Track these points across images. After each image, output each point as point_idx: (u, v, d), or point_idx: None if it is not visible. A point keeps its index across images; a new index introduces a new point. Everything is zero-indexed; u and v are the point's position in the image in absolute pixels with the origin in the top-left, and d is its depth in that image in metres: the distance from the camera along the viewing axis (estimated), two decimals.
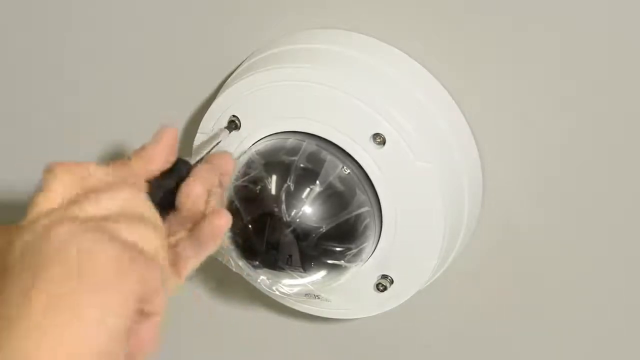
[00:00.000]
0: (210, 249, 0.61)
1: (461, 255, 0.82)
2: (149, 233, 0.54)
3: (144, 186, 0.59)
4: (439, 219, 0.75)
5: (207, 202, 0.61)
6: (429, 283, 0.80)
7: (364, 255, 0.76)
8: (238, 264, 0.75)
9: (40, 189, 0.55)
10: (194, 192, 0.60)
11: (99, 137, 0.93)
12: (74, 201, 0.54)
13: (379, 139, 0.73)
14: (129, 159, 0.60)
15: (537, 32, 0.74)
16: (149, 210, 0.56)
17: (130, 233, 0.53)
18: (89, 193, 0.55)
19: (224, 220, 0.60)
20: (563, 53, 0.74)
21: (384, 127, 0.73)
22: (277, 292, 0.76)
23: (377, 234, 0.77)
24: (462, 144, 0.78)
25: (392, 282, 0.78)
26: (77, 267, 0.50)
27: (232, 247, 0.75)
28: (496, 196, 0.81)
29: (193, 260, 0.60)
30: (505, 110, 0.78)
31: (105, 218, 0.53)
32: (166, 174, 0.61)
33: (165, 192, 0.60)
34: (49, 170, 0.56)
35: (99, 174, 0.57)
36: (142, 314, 0.53)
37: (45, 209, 0.54)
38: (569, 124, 0.77)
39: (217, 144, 0.74)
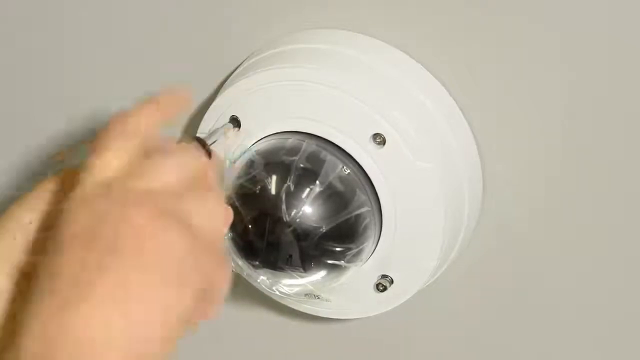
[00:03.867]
0: None
1: (461, 255, 0.82)
2: (215, 209, 0.55)
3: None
4: (439, 219, 0.75)
5: None
6: (429, 283, 0.80)
7: (364, 255, 0.76)
8: (238, 263, 0.75)
9: (95, 149, 0.54)
10: None
11: (97, 138, 0.93)
12: (139, 170, 0.54)
13: (379, 139, 0.73)
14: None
15: (537, 32, 0.74)
16: (214, 177, 0.57)
17: (201, 217, 0.53)
18: (153, 158, 0.54)
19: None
20: (563, 53, 0.74)
21: (384, 127, 0.73)
22: (277, 292, 0.76)
23: (377, 234, 0.77)
24: (462, 144, 0.78)
25: (392, 282, 0.78)
26: (150, 259, 0.50)
27: (232, 246, 0.75)
28: (496, 197, 0.81)
29: None
30: (505, 110, 0.78)
31: (177, 196, 0.53)
32: None
33: None
34: (107, 129, 0.55)
35: (157, 134, 0.56)
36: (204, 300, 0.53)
37: (107, 175, 0.53)
38: (569, 124, 0.77)
39: (214, 142, 0.74)
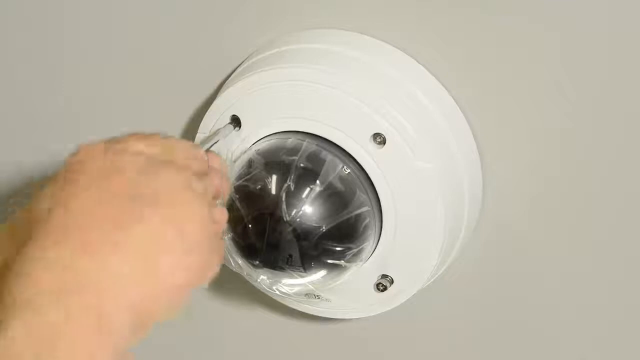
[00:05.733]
0: None
1: (461, 255, 0.82)
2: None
3: None
4: (439, 219, 0.75)
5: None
6: (429, 283, 0.80)
7: (364, 255, 0.76)
8: (238, 263, 0.75)
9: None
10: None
11: (98, 138, 0.93)
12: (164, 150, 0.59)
13: (379, 139, 0.74)
14: None
15: (537, 32, 0.74)
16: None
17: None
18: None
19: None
20: (563, 53, 0.74)
21: (384, 127, 0.73)
22: (277, 292, 0.76)
23: (377, 234, 0.77)
24: (462, 144, 0.78)
25: (392, 282, 0.78)
26: (178, 223, 0.54)
27: (232, 246, 0.75)
28: (496, 196, 0.81)
29: None
30: (505, 110, 0.78)
31: (203, 177, 0.59)
32: None
33: None
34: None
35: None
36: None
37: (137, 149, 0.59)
38: (569, 124, 0.77)
39: (216, 142, 0.74)
